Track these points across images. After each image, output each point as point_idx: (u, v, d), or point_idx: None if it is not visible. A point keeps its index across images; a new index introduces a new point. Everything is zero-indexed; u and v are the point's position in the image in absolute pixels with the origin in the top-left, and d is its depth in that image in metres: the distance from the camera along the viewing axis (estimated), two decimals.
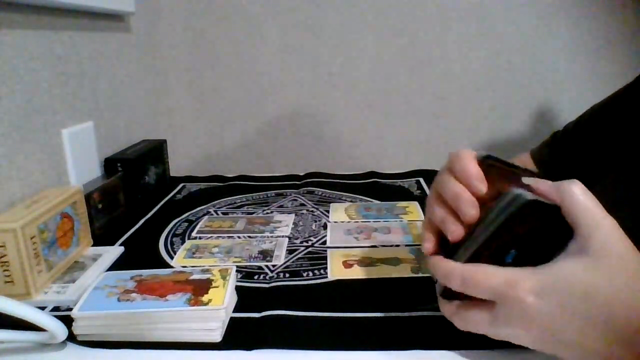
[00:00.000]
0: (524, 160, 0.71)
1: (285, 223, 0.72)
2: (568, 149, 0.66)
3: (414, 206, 0.78)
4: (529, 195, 0.37)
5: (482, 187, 0.39)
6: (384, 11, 1.12)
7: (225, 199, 0.84)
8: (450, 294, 0.41)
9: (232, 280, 0.49)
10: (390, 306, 0.49)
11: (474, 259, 0.39)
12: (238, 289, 0.52)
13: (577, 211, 0.36)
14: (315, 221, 0.73)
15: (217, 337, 0.44)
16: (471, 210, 0.39)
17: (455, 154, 0.42)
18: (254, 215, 0.76)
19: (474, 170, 0.40)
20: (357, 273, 0.57)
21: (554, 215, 0.37)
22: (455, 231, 0.40)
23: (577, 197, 0.36)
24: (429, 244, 0.43)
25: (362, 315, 0.48)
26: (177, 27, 1.13)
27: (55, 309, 0.50)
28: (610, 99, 0.64)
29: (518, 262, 0.38)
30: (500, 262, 0.38)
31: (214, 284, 0.47)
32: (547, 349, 0.36)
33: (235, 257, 0.61)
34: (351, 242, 0.65)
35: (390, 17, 1.12)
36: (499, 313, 0.37)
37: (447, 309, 0.41)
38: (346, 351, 0.43)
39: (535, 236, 0.38)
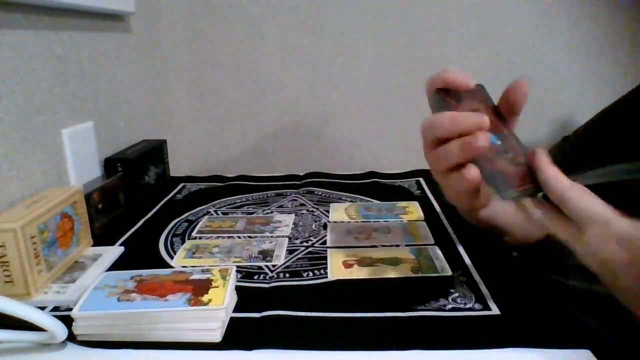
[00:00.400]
0: None
1: (285, 223, 0.72)
2: (580, 151, 0.65)
3: (414, 206, 0.78)
4: None
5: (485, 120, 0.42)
6: (384, 11, 1.12)
7: (225, 199, 0.84)
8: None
9: (232, 280, 0.49)
10: (390, 306, 0.49)
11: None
12: (238, 289, 0.52)
13: None
14: (315, 221, 0.73)
15: (217, 337, 0.44)
16: (479, 116, 0.42)
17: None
18: (254, 215, 0.76)
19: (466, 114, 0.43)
20: (357, 273, 0.57)
21: None
22: (483, 137, 0.41)
23: None
24: (473, 170, 0.42)
25: (362, 315, 0.48)
26: (177, 27, 1.13)
27: (55, 309, 0.50)
28: (620, 102, 0.63)
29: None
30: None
31: (214, 284, 0.47)
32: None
33: (235, 257, 0.61)
34: (351, 242, 0.65)
35: (390, 17, 1.12)
36: (584, 237, 0.39)
37: (539, 206, 0.42)
38: (346, 351, 0.43)
39: None
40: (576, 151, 0.66)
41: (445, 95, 0.45)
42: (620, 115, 0.62)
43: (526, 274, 0.55)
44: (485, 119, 0.41)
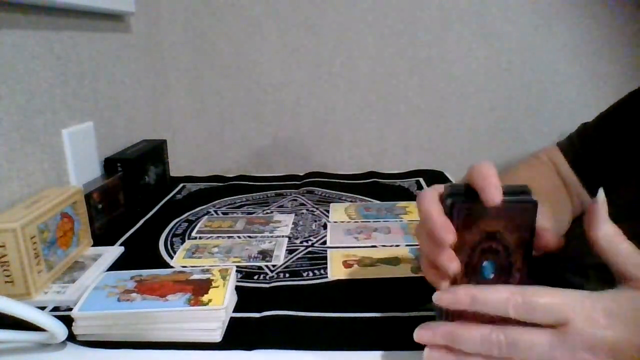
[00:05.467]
0: (551, 153, 0.65)
1: (285, 223, 0.72)
2: (597, 142, 0.60)
3: (414, 206, 0.78)
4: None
5: (450, 237, 0.35)
6: (384, 11, 1.12)
7: (225, 199, 0.84)
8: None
9: (232, 280, 0.49)
10: (390, 306, 0.49)
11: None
12: (238, 289, 0.52)
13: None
14: (315, 221, 0.73)
15: (217, 337, 0.44)
16: (449, 264, 0.36)
17: (420, 198, 0.38)
18: (253, 215, 0.76)
19: (439, 221, 0.36)
20: (357, 273, 0.57)
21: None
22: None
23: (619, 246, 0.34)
24: (455, 263, 0.36)
25: (362, 315, 0.48)
26: (177, 27, 1.14)
27: (55, 309, 0.50)
28: (629, 97, 0.61)
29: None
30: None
31: (214, 284, 0.47)
32: None
33: (235, 257, 0.61)
34: (351, 242, 0.65)
35: (390, 17, 1.12)
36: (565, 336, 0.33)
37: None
38: (346, 351, 0.43)
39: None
40: (594, 139, 0.61)
41: (463, 203, 0.36)
42: (628, 112, 0.60)
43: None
44: (451, 269, 0.36)
